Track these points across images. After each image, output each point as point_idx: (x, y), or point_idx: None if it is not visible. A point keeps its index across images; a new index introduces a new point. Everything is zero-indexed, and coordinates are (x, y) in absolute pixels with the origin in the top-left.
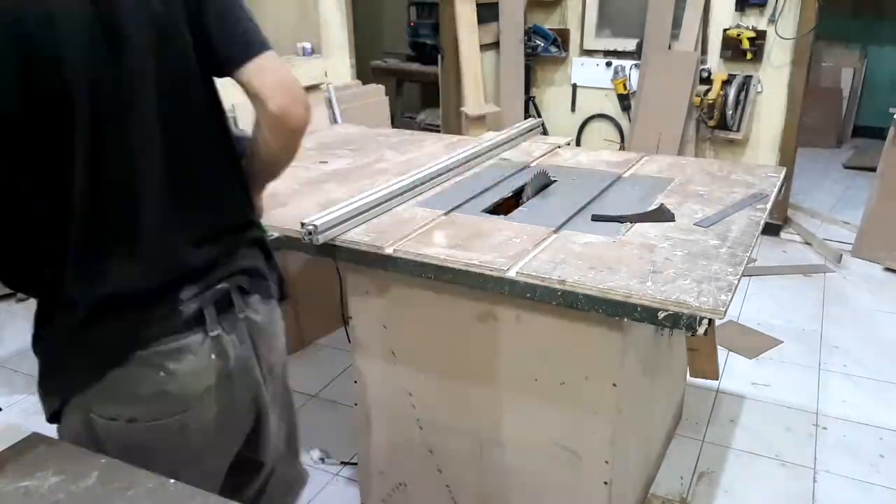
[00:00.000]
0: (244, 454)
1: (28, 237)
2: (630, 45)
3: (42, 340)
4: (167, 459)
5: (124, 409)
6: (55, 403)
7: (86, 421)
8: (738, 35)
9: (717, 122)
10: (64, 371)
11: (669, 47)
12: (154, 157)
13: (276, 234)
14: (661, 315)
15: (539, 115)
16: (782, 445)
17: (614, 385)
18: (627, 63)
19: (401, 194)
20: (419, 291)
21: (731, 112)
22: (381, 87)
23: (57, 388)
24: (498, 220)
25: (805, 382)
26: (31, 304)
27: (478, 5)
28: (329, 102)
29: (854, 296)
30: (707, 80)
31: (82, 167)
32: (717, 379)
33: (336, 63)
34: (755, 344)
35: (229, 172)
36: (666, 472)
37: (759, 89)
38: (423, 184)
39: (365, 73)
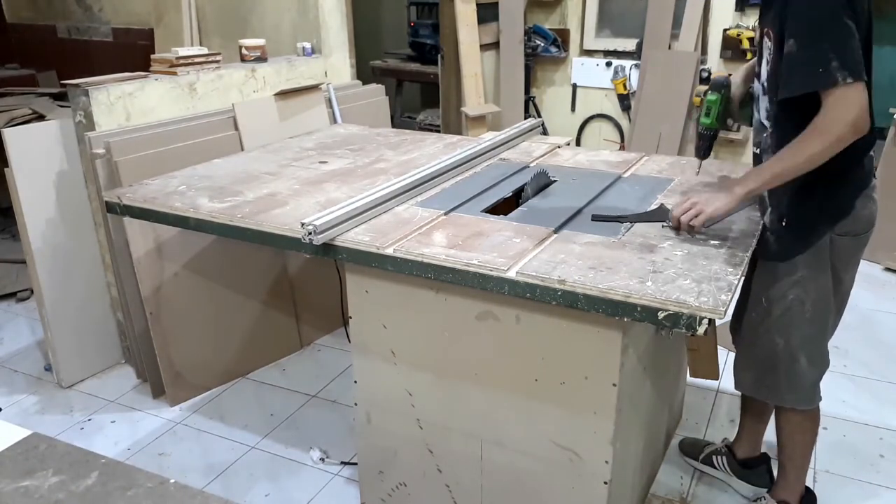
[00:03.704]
0: None
1: None
2: (630, 45)
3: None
4: (855, 262)
5: (854, 227)
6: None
7: (830, 239)
8: (738, 35)
9: None
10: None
11: (669, 47)
12: None
13: None
14: (661, 315)
15: (539, 115)
16: None
17: (614, 385)
18: (627, 63)
19: (401, 194)
20: (419, 291)
21: None
22: (381, 87)
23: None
24: (498, 220)
25: None
26: (32, 304)
27: (478, 5)
28: (329, 102)
29: (854, 296)
30: (707, 80)
31: None
32: (717, 379)
33: (336, 63)
34: None
35: None
36: (666, 472)
37: None
38: (423, 184)
39: (365, 73)
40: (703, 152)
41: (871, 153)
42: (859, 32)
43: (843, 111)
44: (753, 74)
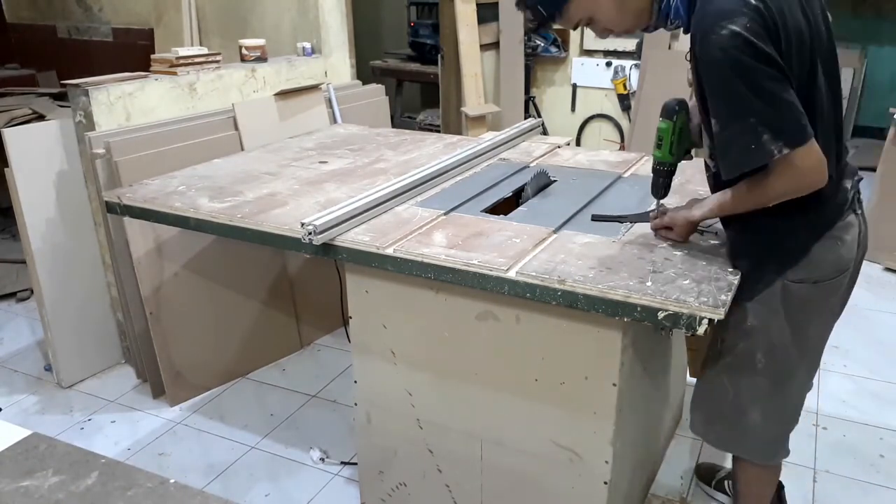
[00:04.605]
0: None
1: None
2: (630, 45)
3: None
4: (821, 311)
5: (812, 273)
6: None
7: (781, 285)
8: None
9: None
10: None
11: (669, 47)
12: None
13: None
14: (661, 315)
15: (539, 115)
16: None
17: (614, 385)
18: (627, 63)
19: (401, 194)
20: (419, 291)
21: None
22: (381, 87)
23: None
24: (498, 220)
25: None
26: (32, 304)
27: (478, 5)
28: (329, 102)
29: (854, 296)
30: None
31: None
32: None
33: (336, 63)
34: None
35: None
36: (666, 472)
37: None
38: (423, 184)
39: (365, 73)
40: (660, 190)
41: (846, 184)
42: (800, 72)
43: (787, 179)
44: None
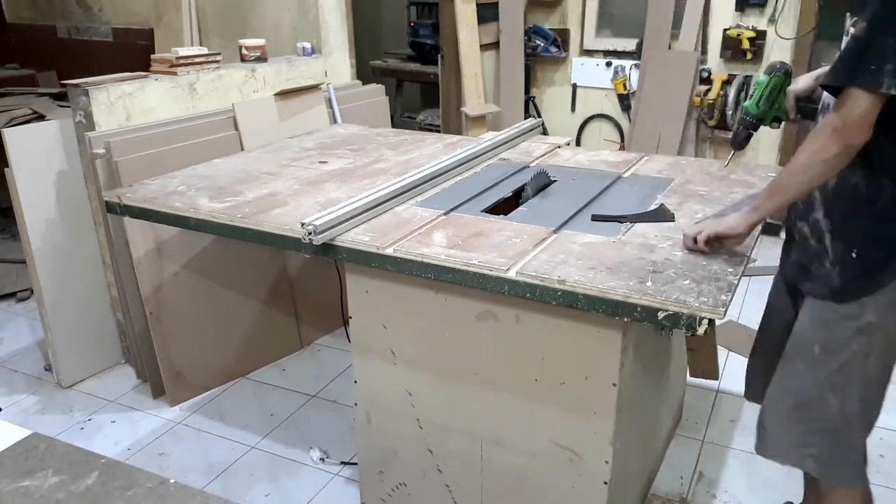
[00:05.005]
0: None
1: None
2: (630, 45)
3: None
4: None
5: None
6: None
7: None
8: (738, 35)
9: (717, 122)
10: None
11: (669, 47)
12: None
13: None
14: (661, 315)
15: (539, 115)
16: None
17: (614, 385)
18: (627, 63)
19: (401, 194)
20: (419, 291)
21: (731, 112)
22: (381, 87)
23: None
24: (498, 220)
25: None
26: (32, 304)
27: (478, 5)
28: (329, 102)
29: None
30: (707, 80)
31: None
32: (717, 379)
33: (336, 63)
34: None
35: None
36: (666, 472)
37: None
38: (423, 184)
39: (365, 73)
40: (738, 143)
41: None
42: None
43: (842, 114)
44: None
